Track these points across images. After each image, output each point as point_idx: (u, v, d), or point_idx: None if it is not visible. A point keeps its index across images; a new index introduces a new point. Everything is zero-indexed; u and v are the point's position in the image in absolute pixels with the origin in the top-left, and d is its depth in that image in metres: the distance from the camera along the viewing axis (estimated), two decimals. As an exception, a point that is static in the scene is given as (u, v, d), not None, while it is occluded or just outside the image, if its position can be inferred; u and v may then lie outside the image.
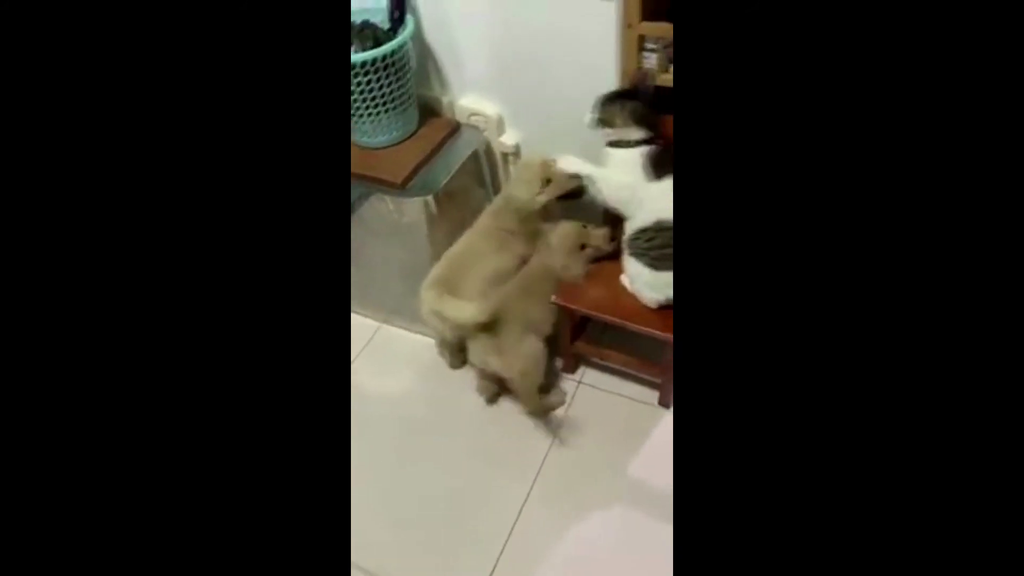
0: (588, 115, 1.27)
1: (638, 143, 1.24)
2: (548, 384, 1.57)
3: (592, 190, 1.33)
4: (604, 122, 1.26)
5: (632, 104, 1.23)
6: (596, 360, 1.62)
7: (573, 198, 1.45)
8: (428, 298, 1.44)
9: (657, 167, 1.23)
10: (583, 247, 1.44)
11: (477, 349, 1.44)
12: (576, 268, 1.44)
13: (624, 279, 1.39)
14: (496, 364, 1.41)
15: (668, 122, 1.30)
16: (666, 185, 1.22)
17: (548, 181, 1.44)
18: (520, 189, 1.47)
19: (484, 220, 1.55)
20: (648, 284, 1.31)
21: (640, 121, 1.23)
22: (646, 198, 1.25)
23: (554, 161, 1.41)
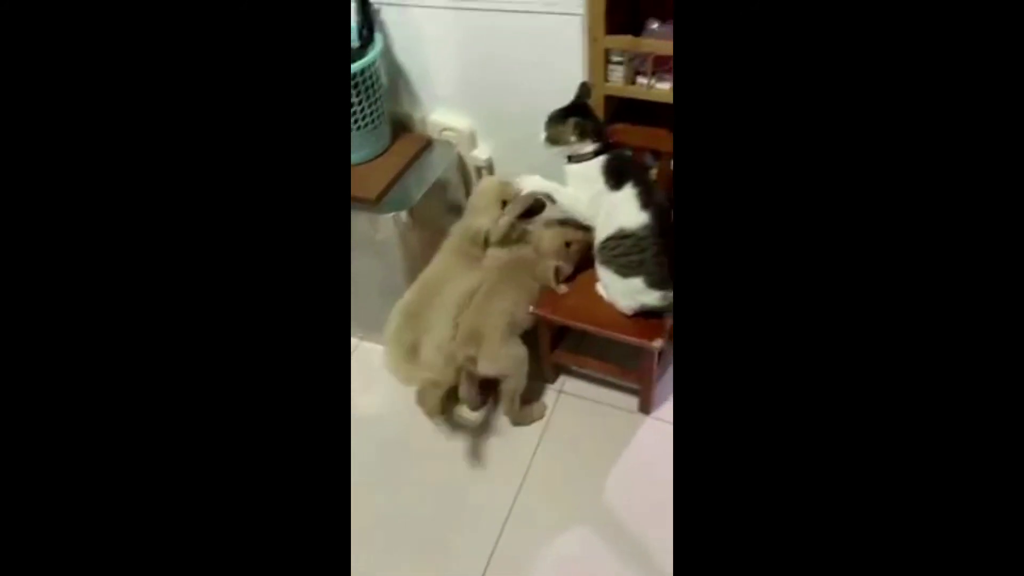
0: (541, 135, 1.30)
1: (593, 155, 1.27)
2: (530, 395, 1.57)
3: (558, 207, 1.36)
4: (553, 140, 1.28)
5: (574, 119, 1.25)
6: (575, 369, 1.63)
7: (533, 215, 1.46)
8: (389, 354, 1.41)
9: (615, 176, 1.26)
10: (568, 244, 1.45)
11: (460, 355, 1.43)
12: (568, 267, 1.46)
13: (599, 288, 1.41)
14: (483, 368, 1.41)
15: (619, 132, 1.33)
16: (625, 193, 1.25)
17: (505, 203, 1.44)
18: (479, 217, 1.47)
19: (451, 241, 1.54)
20: (620, 292, 1.33)
21: (585, 135, 1.25)
22: (608, 208, 1.28)
23: (508, 182, 1.42)
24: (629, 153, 1.32)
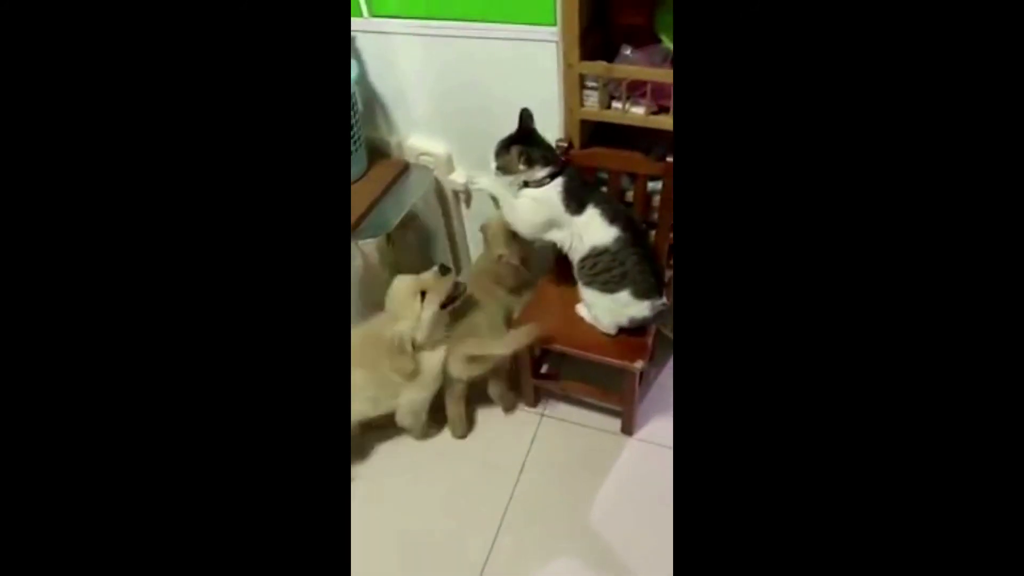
0: (492, 164, 1.29)
1: (548, 179, 1.26)
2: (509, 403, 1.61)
3: (506, 217, 1.34)
4: (504, 170, 1.27)
5: (517, 147, 1.25)
6: (557, 392, 1.62)
7: (454, 301, 1.39)
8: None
9: (574, 201, 1.26)
10: (515, 235, 1.42)
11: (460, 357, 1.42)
12: (514, 257, 1.47)
13: (580, 309, 1.41)
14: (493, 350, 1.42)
15: (595, 155, 1.34)
16: (589, 213, 1.26)
17: (423, 293, 1.34)
18: (401, 323, 1.34)
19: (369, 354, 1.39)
20: (606, 309, 1.33)
21: (533, 162, 1.25)
22: (575, 230, 1.28)
23: (418, 276, 1.37)
24: (578, 174, 1.30)
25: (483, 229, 1.55)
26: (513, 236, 1.43)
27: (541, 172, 1.26)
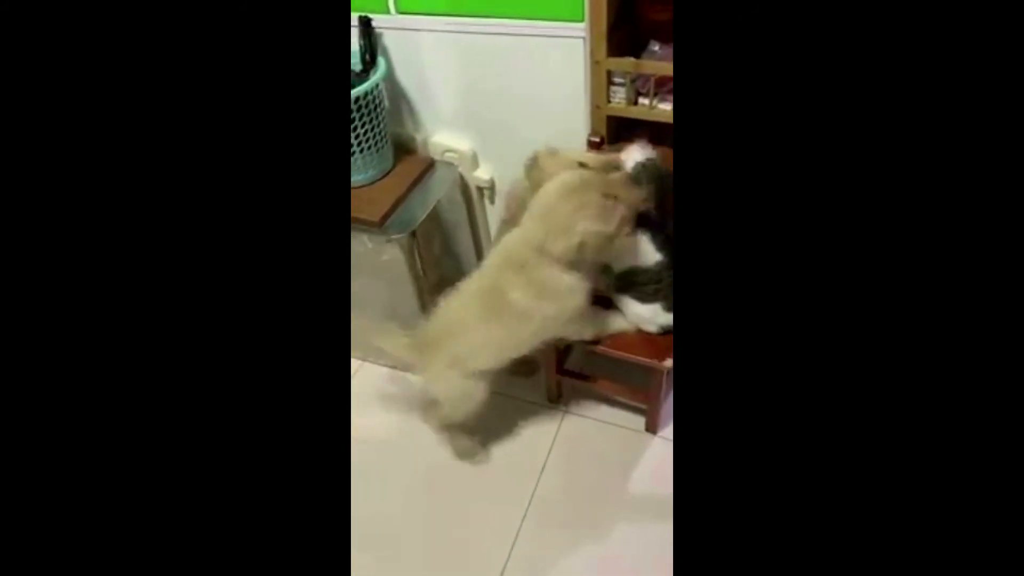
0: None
1: None
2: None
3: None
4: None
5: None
6: (582, 389, 1.62)
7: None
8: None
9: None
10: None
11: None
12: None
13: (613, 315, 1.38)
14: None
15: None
16: (640, 237, 1.21)
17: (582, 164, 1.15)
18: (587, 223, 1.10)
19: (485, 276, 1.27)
20: (639, 315, 1.30)
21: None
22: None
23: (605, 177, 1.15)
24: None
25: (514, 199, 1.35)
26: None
27: None
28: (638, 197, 1.12)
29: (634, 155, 1.22)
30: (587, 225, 1.09)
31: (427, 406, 1.51)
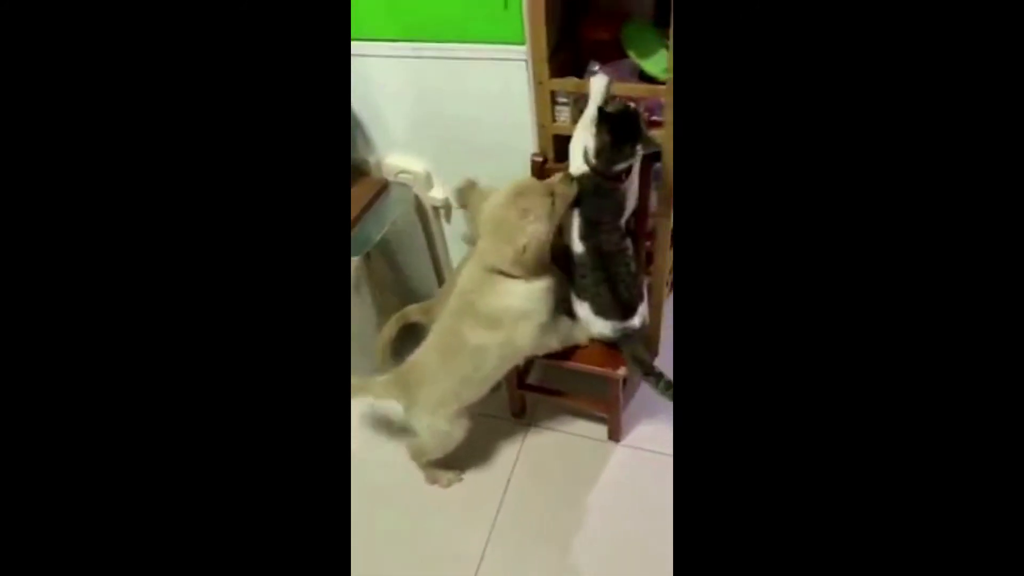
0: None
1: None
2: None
3: None
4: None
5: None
6: (543, 401, 1.64)
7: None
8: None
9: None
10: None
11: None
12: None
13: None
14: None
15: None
16: (573, 217, 1.25)
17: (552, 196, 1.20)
18: (533, 225, 1.17)
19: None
20: (583, 316, 1.33)
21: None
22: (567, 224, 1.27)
23: (546, 181, 1.23)
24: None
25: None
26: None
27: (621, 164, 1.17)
28: (572, 192, 1.20)
29: (597, 87, 1.17)
30: (535, 227, 1.17)
31: (408, 440, 1.51)
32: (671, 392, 1.25)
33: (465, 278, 1.29)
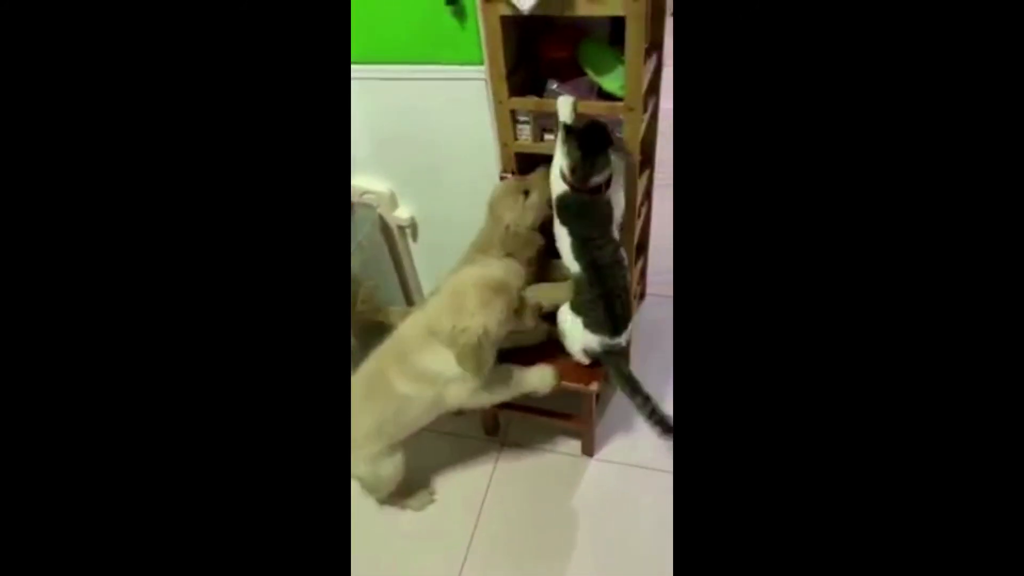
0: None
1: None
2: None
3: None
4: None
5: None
6: (516, 418, 1.63)
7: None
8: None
9: (562, 210, 1.25)
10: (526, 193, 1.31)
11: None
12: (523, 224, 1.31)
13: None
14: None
15: None
16: (564, 235, 1.26)
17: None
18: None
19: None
20: (570, 330, 1.33)
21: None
22: (558, 234, 1.28)
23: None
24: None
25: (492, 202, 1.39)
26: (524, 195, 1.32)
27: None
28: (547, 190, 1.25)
29: (563, 107, 1.18)
30: (480, 322, 1.11)
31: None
32: (660, 429, 1.24)
33: (408, 324, 1.26)
